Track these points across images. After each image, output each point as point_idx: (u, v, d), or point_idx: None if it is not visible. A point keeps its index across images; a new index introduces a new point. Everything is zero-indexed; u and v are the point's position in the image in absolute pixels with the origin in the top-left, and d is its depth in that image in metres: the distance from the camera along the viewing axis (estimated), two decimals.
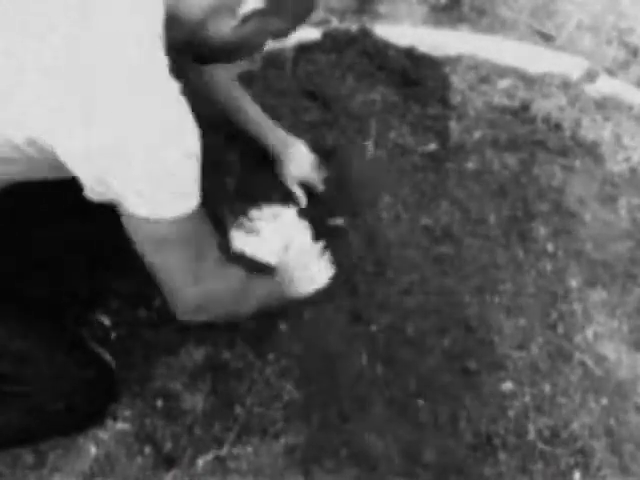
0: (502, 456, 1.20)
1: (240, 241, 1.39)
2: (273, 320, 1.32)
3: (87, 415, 1.17)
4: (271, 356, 1.28)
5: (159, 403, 1.21)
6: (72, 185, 0.87)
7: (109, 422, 1.19)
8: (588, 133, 1.77)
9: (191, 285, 0.97)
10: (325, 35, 1.93)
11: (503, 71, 1.91)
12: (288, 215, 1.44)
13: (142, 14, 0.83)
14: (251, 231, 1.40)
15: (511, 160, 1.67)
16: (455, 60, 1.92)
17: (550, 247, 1.51)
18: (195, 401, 1.22)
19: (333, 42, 1.89)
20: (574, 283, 1.46)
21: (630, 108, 1.86)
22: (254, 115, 1.44)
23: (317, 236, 1.42)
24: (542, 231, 1.54)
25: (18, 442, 1.16)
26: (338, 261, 1.38)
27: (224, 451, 1.17)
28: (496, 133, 1.73)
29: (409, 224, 1.51)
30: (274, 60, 1.91)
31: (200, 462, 1.16)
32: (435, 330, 1.34)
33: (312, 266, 1.33)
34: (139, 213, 0.86)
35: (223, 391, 1.23)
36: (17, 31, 0.83)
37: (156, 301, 1.31)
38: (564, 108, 1.82)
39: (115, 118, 0.79)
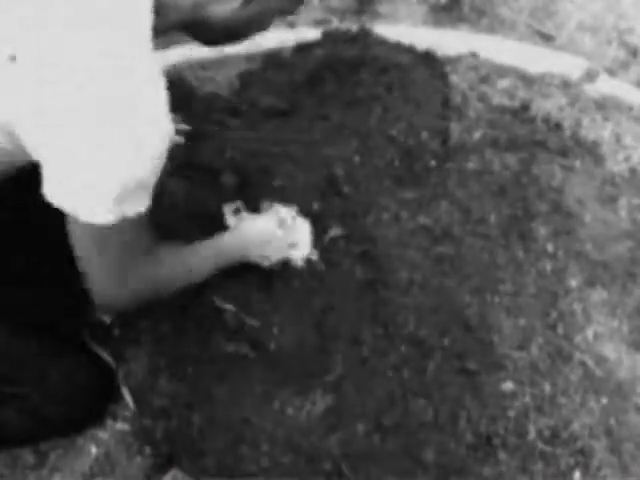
0: (502, 456, 1.20)
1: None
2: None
3: (87, 416, 1.17)
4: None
5: (159, 403, 1.21)
6: None
7: (109, 422, 1.19)
8: (588, 133, 1.77)
9: (115, 288, 0.96)
10: (325, 35, 1.93)
11: (503, 71, 1.91)
12: (287, 212, 1.42)
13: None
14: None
15: (511, 160, 1.67)
16: (455, 60, 1.92)
17: (550, 247, 1.51)
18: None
19: (333, 42, 1.89)
20: (574, 283, 1.46)
21: (630, 108, 1.86)
22: None
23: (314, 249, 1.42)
24: (542, 231, 1.54)
25: (18, 442, 1.16)
26: (337, 262, 1.39)
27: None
28: (496, 133, 1.73)
29: (409, 224, 1.51)
30: (274, 60, 1.91)
31: (200, 462, 1.16)
32: (435, 330, 1.34)
33: (292, 236, 1.30)
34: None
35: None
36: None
37: None
38: (564, 108, 1.82)
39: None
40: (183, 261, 1.10)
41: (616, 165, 1.71)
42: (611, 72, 2.01)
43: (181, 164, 1.55)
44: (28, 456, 1.15)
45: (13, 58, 0.79)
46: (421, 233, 1.50)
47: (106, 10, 0.79)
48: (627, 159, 1.73)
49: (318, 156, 1.60)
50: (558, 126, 1.77)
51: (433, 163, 1.64)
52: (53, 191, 0.84)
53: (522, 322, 1.38)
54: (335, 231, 1.47)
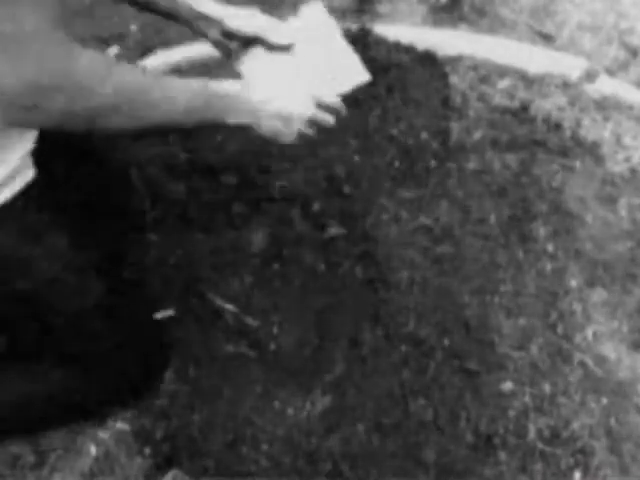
0: (502, 456, 1.20)
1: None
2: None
3: (140, 388, 1.17)
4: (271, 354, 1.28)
5: (159, 403, 1.21)
6: None
7: (109, 422, 1.19)
8: (588, 133, 1.77)
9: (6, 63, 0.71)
10: None
11: (503, 71, 1.91)
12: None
13: None
14: None
15: (511, 160, 1.67)
16: (455, 60, 1.92)
17: (550, 247, 1.51)
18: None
19: None
20: (574, 283, 1.46)
21: (630, 108, 1.86)
22: None
23: (314, 249, 1.42)
24: (542, 231, 1.54)
25: (74, 407, 1.15)
26: (337, 262, 1.39)
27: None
28: (496, 133, 1.73)
29: (409, 224, 1.51)
30: None
31: (200, 462, 1.16)
32: (435, 330, 1.34)
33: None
34: None
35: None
36: None
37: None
38: (564, 108, 1.82)
39: None
40: (109, 72, 0.81)
41: (616, 165, 1.71)
42: (611, 72, 2.01)
43: (181, 164, 1.55)
44: (28, 456, 1.15)
45: None
46: (421, 233, 1.50)
47: None
48: (627, 159, 1.73)
49: (318, 156, 1.60)
50: (558, 126, 1.77)
51: (433, 163, 1.64)
52: None
53: (522, 322, 1.38)
54: (335, 231, 1.47)
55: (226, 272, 1.41)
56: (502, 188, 1.61)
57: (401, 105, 1.76)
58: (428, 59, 1.89)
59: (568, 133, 1.76)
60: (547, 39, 2.14)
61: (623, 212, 1.61)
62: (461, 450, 1.20)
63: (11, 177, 0.94)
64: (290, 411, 1.22)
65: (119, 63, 0.89)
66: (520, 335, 1.36)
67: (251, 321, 1.32)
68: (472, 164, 1.66)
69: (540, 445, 1.22)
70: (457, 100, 1.80)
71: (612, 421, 1.26)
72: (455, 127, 1.73)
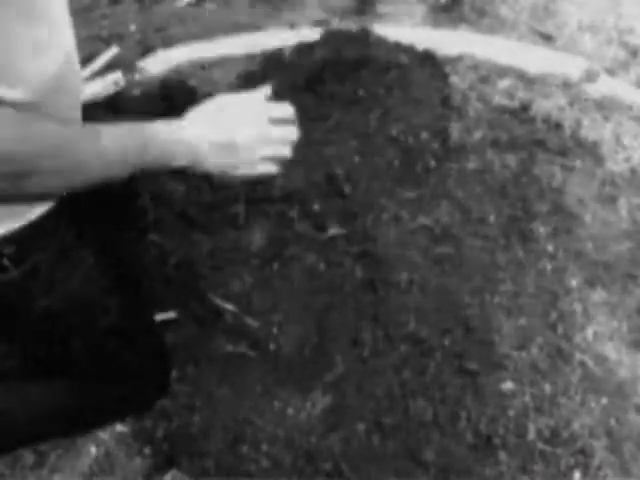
0: (502, 456, 1.20)
1: None
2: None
3: (137, 406, 1.16)
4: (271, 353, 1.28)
5: (159, 403, 1.21)
6: None
7: None
8: (588, 133, 1.77)
9: None
10: (325, 35, 1.93)
11: (503, 71, 1.91)
12: None
13: None
14: None
15: (511, 160, 1.67)
16: (455, 60, 1.92)
17: (550, 247, 1.51)
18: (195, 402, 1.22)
19: (333, 42, 1.90)
20: (574, 283, 1.46)
21: (630, 108, 1.86)
22: None
23: (314, 249, 1.41)
24: (542, 231, 1.54)
25: (71, 426, 1.14)
26: (337, 262, 1.38)
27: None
28: (496, 133, 1.73)
29: (409, 224, 1.51)
30: (274, 60, 1.92)
31: (200, 462, 1.16)
32: (435, 330, 1.34)
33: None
34: None
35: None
36: None
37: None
38: (564, 108, 1.82)
39: None
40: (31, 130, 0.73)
41: (616, 165, 1.71)
42: (611, 72, 2.01)
43: None
44: (28, 456, 1.15)
45: None
46: (421, 233, 1.50)
47: None
48: (627, 159, 1.73)
49: (318, 156, 1.60)
50: (558, 126, 1.77)
51: (433, 163, 1.64)
52: None
53: (522, 322, 1.38)
54: (335, 231, 1.47)
55: (226, 272, 1.41)
56: (502, 188, 1.61)
57: (401, 105, 1.76)
58: (428, 59, 1.89)
59: (568, 133, 1.76)
60: (547, 39, 2.14)
61: (623, 212, 1.61)
62: (461, 450, 1.20)
63: None
64: (290, 411, 1.22)
65: (36, 118, 0.76)
66: (520, 335, 1.36)
67: (251, 321, 1.32)
68: (472, 164, 1.66)
69: (540, 445, 1.22)
70: (457, 100, 1.80)
71: (612, 421, 1.26)
72: (455, 127, 1.73)
